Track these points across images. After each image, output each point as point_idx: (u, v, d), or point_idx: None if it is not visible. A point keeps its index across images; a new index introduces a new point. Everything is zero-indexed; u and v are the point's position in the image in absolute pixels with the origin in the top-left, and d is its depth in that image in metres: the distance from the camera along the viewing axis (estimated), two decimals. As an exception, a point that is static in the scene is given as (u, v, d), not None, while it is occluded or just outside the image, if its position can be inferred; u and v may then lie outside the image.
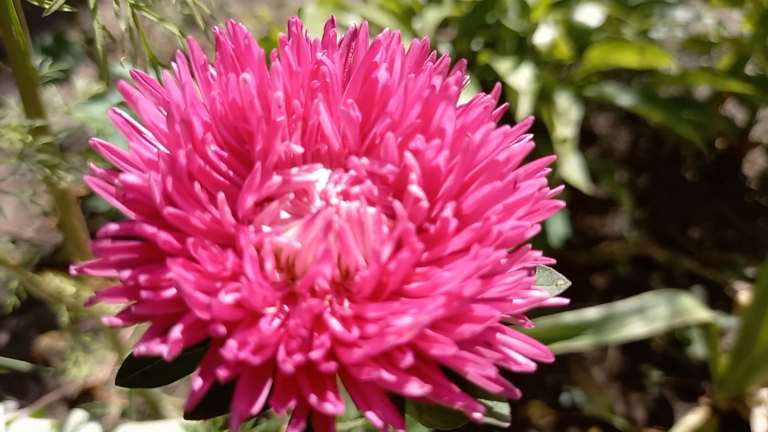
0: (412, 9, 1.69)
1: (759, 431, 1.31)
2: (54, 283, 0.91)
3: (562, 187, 0.34)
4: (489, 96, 0.34)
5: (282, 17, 2.32)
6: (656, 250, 1.77)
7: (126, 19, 0.51)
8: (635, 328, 1.32)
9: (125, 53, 0.47)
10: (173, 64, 0.34)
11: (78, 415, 1.01)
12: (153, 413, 1.32)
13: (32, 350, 1.58)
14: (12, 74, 0.69)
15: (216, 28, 0.35)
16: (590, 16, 1.62)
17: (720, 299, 1.68)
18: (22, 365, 1.36)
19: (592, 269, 1.75)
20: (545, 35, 1.56)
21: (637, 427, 1.46)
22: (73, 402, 1.52)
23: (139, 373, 0.37)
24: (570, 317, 1.35)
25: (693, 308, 1.33)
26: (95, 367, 1.35)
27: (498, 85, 0.34)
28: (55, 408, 1.50)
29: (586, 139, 2.05)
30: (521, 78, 1.45)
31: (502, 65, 1.50)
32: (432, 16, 1.59)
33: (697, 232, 1.87)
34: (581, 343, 1.30)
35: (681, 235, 1.85)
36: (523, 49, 1.60)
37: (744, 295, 1.46)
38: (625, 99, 1.59)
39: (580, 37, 1.60)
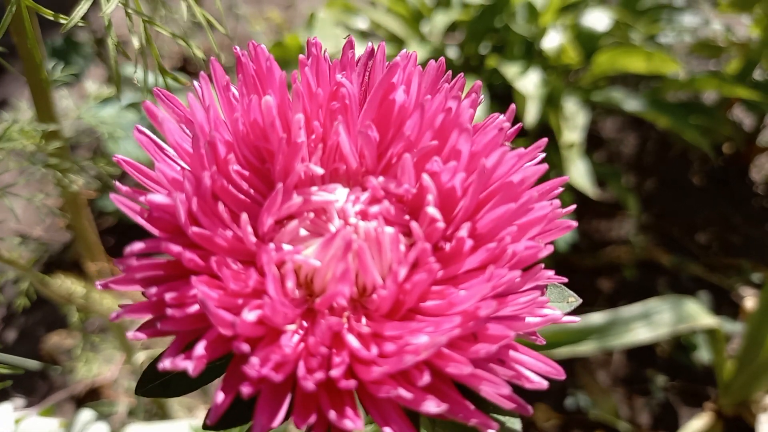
0: (420, 12, 1.70)
1: (764, 438, 1.31)
2: (65, 284, 0.92)
3: (573, 206, 0.35)
4: (503, 117, 0.35)
5: (291, 18, 2.32)
6: (662, 254, 1.77)
7: (138, 35, 0.52)
8: (640, 334, 1.33)
9: (137, 63, 0.48)
10: (195, 83, 0.35)
11: (86, 414, 1.03)
12: (160, 413, 1.33)
13: (40, 348, 1.59)
14: (25, 81, 0.70)
15: (237, 48, 0.36)
16: (598, 21, 1.62)
17: (726, 304, 1.68)
18: (31, 364, 1.37)
19: (598, 273, 1.76)
20: (553, 40, 1.57)
21: (642, 431, 1.46)
22: (81, 400, 1.53)
23: (158, 383, 0.38)
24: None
25: (698, 314, 1.33)
26: (103, 366, 1.36)
27: (512, 106, 0.35)
28: (63, 406, 1.52)
29: (593, 142, 2.05)
30: (529, 83, 1.46)
31: (510, 70, 1.50)
32: (440, 20, 1.60)
33: (704, 237, 1.87)
34: (586, 348, 1.31)
35: (687, 239, 1.85)
36: (531, 53, 1.61)
37: (750, 300, 1.46)
38: (631, 104, 1.59)
39: (588, 42, 1.60)
